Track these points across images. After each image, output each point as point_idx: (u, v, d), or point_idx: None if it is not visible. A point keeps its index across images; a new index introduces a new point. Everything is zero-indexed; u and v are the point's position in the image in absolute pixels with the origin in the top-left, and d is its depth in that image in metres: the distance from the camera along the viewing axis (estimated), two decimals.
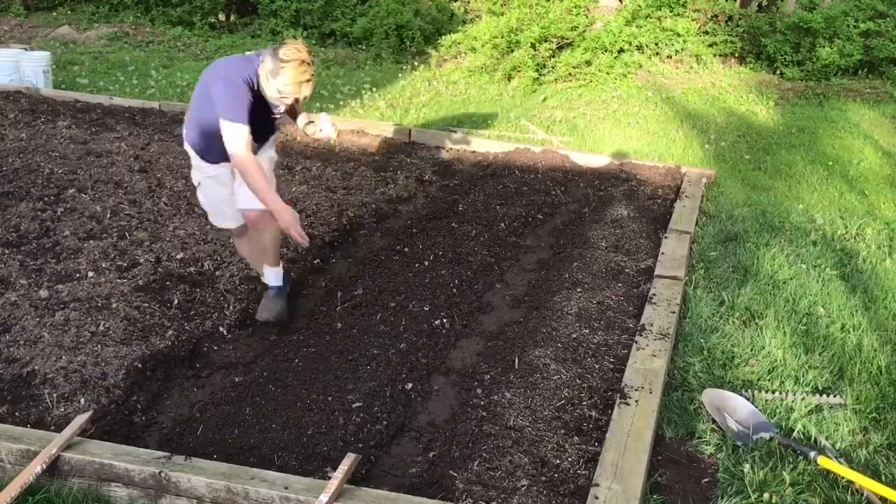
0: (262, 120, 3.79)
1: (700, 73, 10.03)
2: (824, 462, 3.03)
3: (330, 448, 3.05)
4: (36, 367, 3.38)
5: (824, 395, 3.56)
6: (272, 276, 4.11)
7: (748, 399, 3.48)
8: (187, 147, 3.95)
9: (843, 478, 3.00)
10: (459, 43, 10.57)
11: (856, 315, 4.33)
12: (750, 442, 3.20)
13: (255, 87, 3.67)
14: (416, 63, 10.57)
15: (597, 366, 3.71)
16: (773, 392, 3.57)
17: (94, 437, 2.97)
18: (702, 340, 4.02)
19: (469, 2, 11.96)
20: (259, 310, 4.03)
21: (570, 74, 9.63)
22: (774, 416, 3.44)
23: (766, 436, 3.22)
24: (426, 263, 4.68)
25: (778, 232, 5.49)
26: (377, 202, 5.59)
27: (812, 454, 3.08)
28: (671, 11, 10.31)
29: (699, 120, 8.44)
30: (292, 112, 4.15)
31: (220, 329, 3.91)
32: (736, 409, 3.37)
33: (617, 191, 6.16)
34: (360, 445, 3.06)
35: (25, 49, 8.96)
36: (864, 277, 4.83)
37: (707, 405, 3.46)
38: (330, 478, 2.70)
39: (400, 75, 10.02)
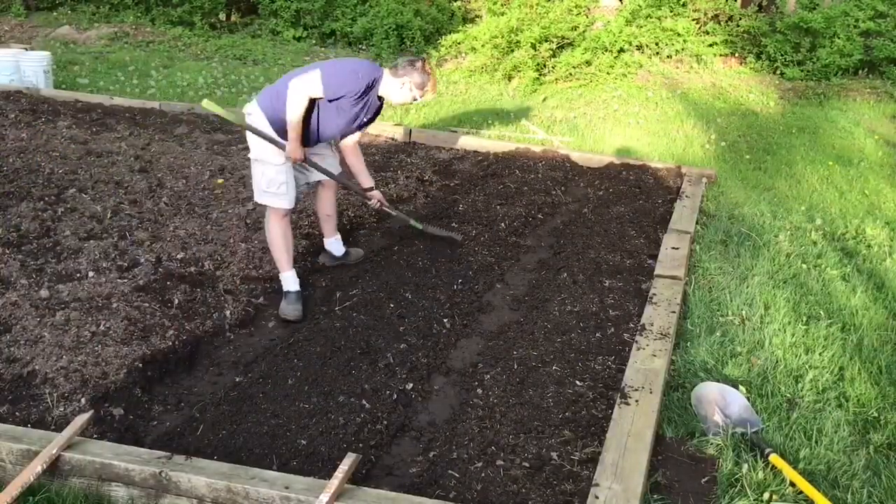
0: (352, 119, 4.18)
1: (700, 73, 10.03)
2: (775, 459, 3.09)
3: (330, 448, 3.06)
4: (36, 367, 3.38)
5: None
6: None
7: (743, 394, 3.51)
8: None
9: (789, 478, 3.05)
10: (460, 43, 10.58)
11: (856, 315, 4.33)
12: (723, 434, 3.24)
13: (370, 88, 4.08)
14: None
15: (597, 366, 3.71)
16: None
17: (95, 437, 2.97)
18: (702, 340, 4.02)
19: (469, 2, 11.96)
20: None
21: (570, 74, 9.63)
22: (776, 413, 3.44)
23: (742, 430, 3.26)
24: (426, 263, 4.68)
25: (778, 232, 5.49)
26: None
27: (767, 450, 3.13)
28: (671, 11, 10.32)
29: (699, 120, 8.44)
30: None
31: (221, 329, 3.91)
32: (729, 402, 3.40)
33: (617, 190, 6.16)
34: (360, 445, 3.06)
35: (26, 49, 8.97)
36: (864, 277, 4.83)
37: (694, 397, 3.48)
38: (330, 477, 2.70)
39: None
